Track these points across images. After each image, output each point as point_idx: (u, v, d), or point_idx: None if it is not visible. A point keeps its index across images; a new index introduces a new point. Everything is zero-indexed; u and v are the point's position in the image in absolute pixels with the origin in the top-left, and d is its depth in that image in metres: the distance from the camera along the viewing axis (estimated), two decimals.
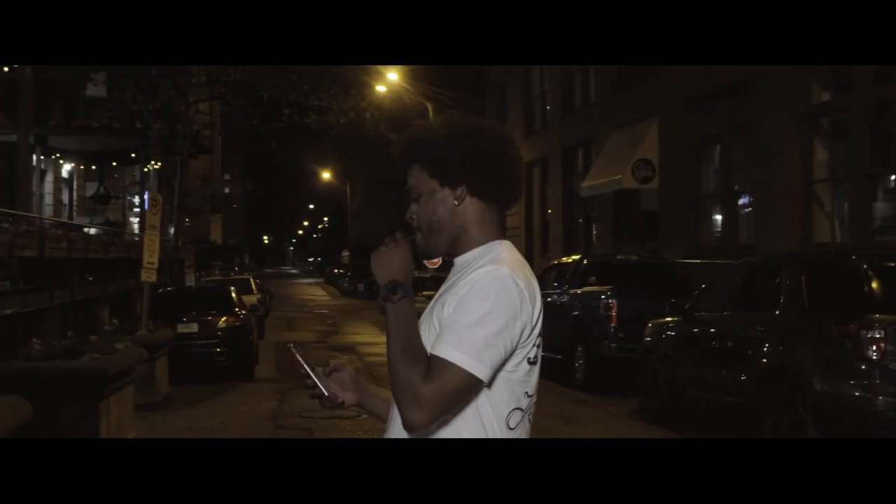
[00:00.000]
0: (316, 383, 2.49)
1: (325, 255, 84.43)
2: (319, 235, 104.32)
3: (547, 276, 16.65)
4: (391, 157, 2.54)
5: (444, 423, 2.25)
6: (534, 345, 2.31)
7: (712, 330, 9.53)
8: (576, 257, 15.68)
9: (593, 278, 14.48)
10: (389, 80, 32.63)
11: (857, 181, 16.36)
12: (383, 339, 12.55)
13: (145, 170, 27.23)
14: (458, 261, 2.43)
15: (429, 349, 2.24)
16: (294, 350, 2.51)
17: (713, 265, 18.97)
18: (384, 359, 10.68)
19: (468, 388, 2.20)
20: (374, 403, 2.62)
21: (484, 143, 2.38)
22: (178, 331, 13.53)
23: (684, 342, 10.08)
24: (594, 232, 29.09)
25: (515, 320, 2.22)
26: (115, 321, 11.66)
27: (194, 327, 14.07)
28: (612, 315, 12.79)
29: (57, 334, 10.06)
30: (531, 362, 2.31)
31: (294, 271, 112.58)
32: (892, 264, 7.90)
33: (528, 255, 34.19)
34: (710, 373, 9.32)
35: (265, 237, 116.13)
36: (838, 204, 17.65)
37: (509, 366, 2.26)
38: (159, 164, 25.30)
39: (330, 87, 23.39)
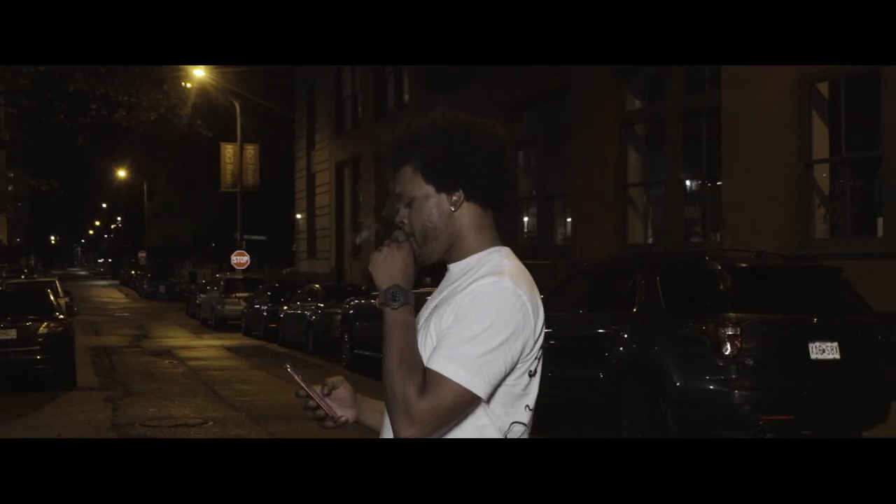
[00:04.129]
0: (318, 405, 2.34)
1: (118, 257, 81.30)
2: (112, 236, 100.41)
3: None
4: (384, 155, 2.39)
5: (442, 437, 2.14)
6: (536, 357, 2.21)
7: (566, 330, 9.76)
8: None
9: (428, 279, 14.60)
10: (196, 76, 31.69)
11: (669, 186, 17.25)
12: (199, 342, 12.40)
13: None
14: (454, 268, 2.31)
15: (425, 361, 2.13)
16: (292, 372, 2.34)
17: (528, 266, 19.54)
18: (208, 363, 10.63)
19: (465, 405, 2.09)
20: (372, 418, 2.45)
21: (482, 145, 2.26)
22: None
23: None
24: None
25: (518, 336, 2.12)
26: None
27: (12, 333, 13.19)
28: None
29: None
30: (532, 374, 2.21)
31: (83, 273, 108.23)
32: (744, 265, 8.38)
33: (340, 258, 34.11)
34: (566, 372, 9.54)
35: (52, 237, 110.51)
36: (651, 207, 18.55)
37: (510, 379, 2.15)
38: None
39: (142, 81, 22.50)
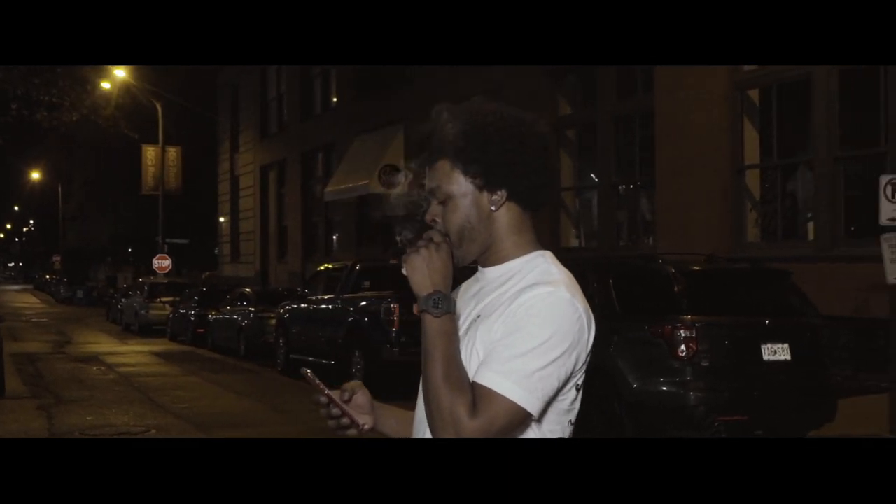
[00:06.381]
0: (343, 412, 2.20)
1: (31, 261, 79.34)
2: (24, 239, 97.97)
3: (315, 283, 16.51)
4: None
5: None
6: (584, 371, 2.08)
7: None
8: (348, 263, 15.63)
9: (367, 283, 14.51)
10: (117, 76, 31.02)
11: (601, 190, 17.44)
12: (126, 348, 12.05)
13: None
14: (492, 273, 2.14)
15: (470, 375, 1.98)
16: (313, 377, 2.20)
17: (461, 270, 19.57)
18: (138, 369, 10.40)
19: (517, 424, 1.95)
20: (389, 426, 2.32)
21: (529, 142, 2.08)
22: None
23: None
24: (335, 237, 29.15)
25: (573, 349, 1.98)
26: None
27: None
28: (394, 319, 12.86)
29: None
30: (578, 388, 2.08)
31: None
32: (697, 268, 8.51)
33: (264, 261, 33.74)
34: None
35: None
36: (584, 211, 18.74)
37: (559, 394, 2.02)
38: None
39: (64, 81, 21.98)
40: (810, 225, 13.78)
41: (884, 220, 8.85)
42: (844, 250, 12.53)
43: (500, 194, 2.08)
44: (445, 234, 2.10)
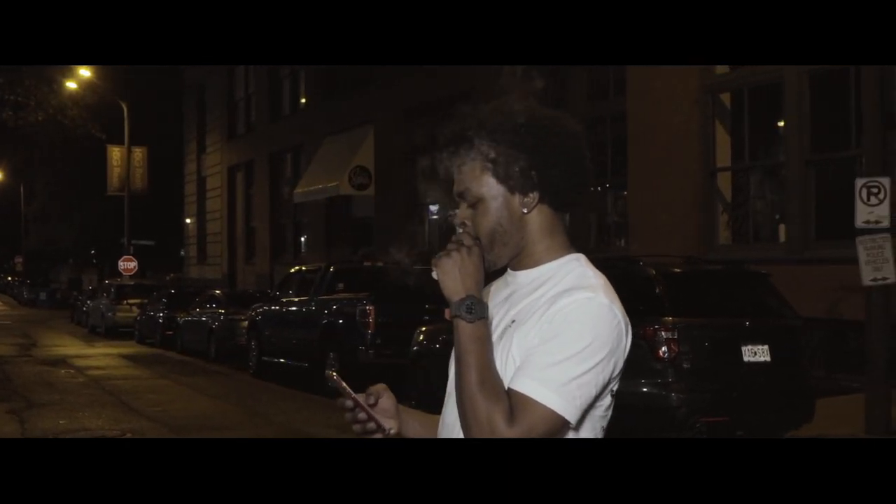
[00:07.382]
0: (367, 416, 2.14)
1: None
2: None
3: (288, 284, 16.43)
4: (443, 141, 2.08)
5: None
6: (620, 377, 2.06)
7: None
8: (321, 264, 15.58)
9: (341, 285, 14.47)
10: (81, 76, 30.64)
11: None
12: (93, 350, 11.89)
13: None
14: (524, 276, 2.10)
15: (505, 381, 1.95)
16: (339, 380, 2.14)
17: (429, 271, 19.54)
18: (108, 372, 10.30)
19: (555, 431, 1.91)
20: (413, 430, 2.25)
21: (561, 142, 2.03)
22: None
23: None
24: (303, 238, 29.04)
25: (611, 356, 1.97)
26: None
27: None
28: (369, 321, 12.83)
29: None
30: (613, 394, 2.06)
31: None
32: (677, 269, 8.56)
33: (232, 263, 33.54)
34: None
35: None
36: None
37: (596, 401, 1.99)
38: None
39: (31, 80, 21.79)
40: (781, 227, 13.91)
41: (859, 222, 8.95)
42: (816, 253, 12.67)
43: (532, 196, 2.04)
44: (476, 238, 2.05)
